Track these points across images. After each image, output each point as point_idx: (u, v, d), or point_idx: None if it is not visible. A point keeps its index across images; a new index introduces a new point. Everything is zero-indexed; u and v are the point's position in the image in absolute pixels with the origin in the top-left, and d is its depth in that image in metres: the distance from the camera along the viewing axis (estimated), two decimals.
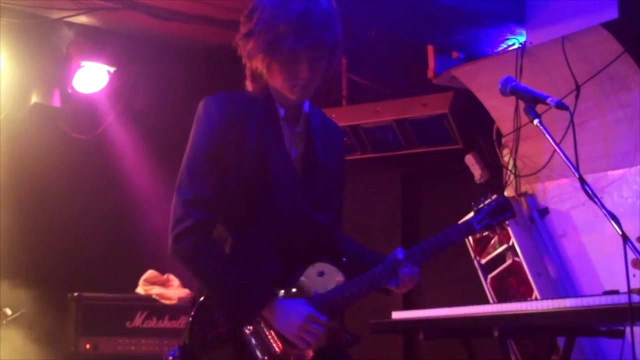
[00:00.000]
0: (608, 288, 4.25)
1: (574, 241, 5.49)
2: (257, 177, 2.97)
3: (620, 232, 2.75)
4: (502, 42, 5.48)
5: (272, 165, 2.99)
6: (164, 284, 6.35)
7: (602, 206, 2.81)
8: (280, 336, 2.94)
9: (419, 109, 6.18)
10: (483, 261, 5.63)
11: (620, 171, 5.25)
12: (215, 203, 2.97)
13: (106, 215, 6.64)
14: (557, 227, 5.58)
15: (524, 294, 5.37)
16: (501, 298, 5.46)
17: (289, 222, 2.99)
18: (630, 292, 3.44)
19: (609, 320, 4.17)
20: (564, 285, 5.46)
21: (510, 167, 5.75)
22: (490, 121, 5.85)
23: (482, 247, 5.60)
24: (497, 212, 3.15)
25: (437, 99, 6.13)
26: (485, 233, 3.21)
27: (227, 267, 2.95)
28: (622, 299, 3.89)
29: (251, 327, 2.94)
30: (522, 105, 3.10)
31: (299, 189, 3.03)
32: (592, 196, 2.84)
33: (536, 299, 5.24)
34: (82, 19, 6.31)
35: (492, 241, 5.53)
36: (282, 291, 2.99)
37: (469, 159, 6.03)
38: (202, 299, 2.99)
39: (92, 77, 6.47)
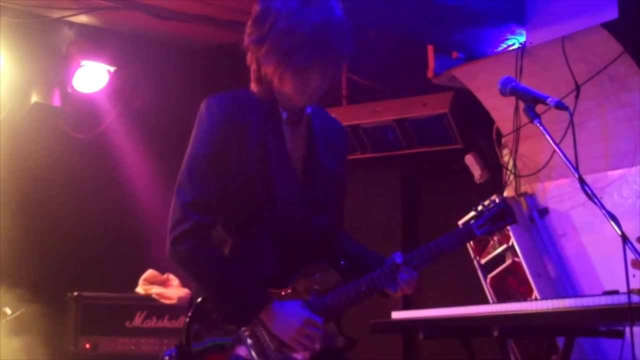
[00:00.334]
0: (608, 288, 4.26)
1: (574, 241, 5.49)
2: (257, 179, 2.97)
3: (620, 233, 2.75)
4: (502, 42, 5.48)
5: (272, 167, 2.98)
6: (164, 283, 6.35)
7: (602, 206, 2.82)
8: (277, 339, 2.94)
9: (419, 108, 6.18)
10: (483, 261, 5.63)
11: (620, 171, 5.25)
12: (215, 205, 2.96)
13: (106, 215, 6.64)
14: (557, 227, 5.58)
15: (524, 294, 5.37)
16: (501, 298, 5.46)
17: (288, 224, 2.99)
18: (629, 292, 3.44)
19: (608, 320, 4.17)
20: (563, 285, 5.46)
21: (510, 167, 5.75)
22: (490, 121, 5.85)
23: (481, 247, 5.60)
24: (498, 217, 3.13)
25: (437, 99, 6.13)
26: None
27: (225, 270, 2.94)
28: (622, 299, 3.89)
29: (248, 329, 2.95)
30: (522, 105, 3.10)
31: (298, 192, 3.02)
32: (591, 196, 2.84)
33: (536, 299, 5.24)
34: (83, 19, 6.31)
35: (492, 241, 5.53)
36: (280, 294, 2.98)
37: (469, 159, 6.03)
38: (199, 299, 2.99)
39: (92, 76, 6.48)
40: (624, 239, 2.75)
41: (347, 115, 6.43)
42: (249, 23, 2.99)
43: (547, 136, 2.97)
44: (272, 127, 3.02)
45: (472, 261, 5.68)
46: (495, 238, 5.45)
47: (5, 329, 5.77)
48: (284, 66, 2.90)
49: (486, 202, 3.16)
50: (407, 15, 5.17)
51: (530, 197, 5.69)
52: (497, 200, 3.18)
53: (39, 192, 6.38)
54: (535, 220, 5.62)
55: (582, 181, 2.88)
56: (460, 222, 5.57)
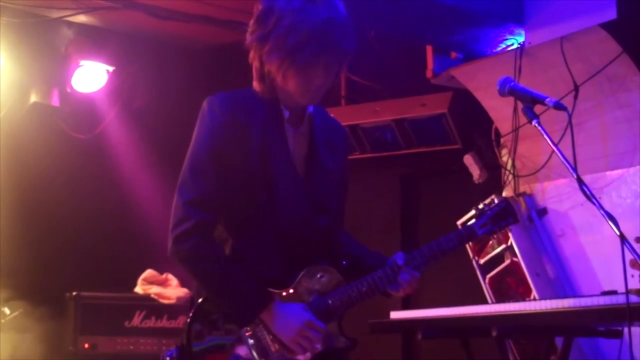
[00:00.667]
0: (606, 288, 4.26)
1: (573, 241, 5.49)
2: (259, 178, 2.96)
3: (618, 233, 2.75)
4: (501, 42, 5.49)
5: (274, 166, 2.98)
6: (163, 283, 6.35)
7: (600, 207, 2.82)
8: (278, 340, 2.94)
9: (418, 108, 6.19)
10: (481, 261, 5.63)
11: (618, 171, 5.26)
12: (217, 204, 2.95)
13: (105, 215, 6.64)
14: (556, 227, 5.58)
15: (523, 294, 5.37)
16: (500, 298, 5.46)
17: (290, 224, 2.98)
18: (628, 292, 3.45)
19: (607, 320, 4.17)
20: (562, 285, 5.47)
21: (508, 167, 5.76)
22: (489, 121, 5.85)
23: (480, 247, 5.61)
24: (499, 217, 3.14)
25: (435, 99, 6.14)
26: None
27: (227, 269, 2.94)
28: (620, 300, 3.89)
29: (249, 329, 2.94)
30: (520, 105, 3.10)
31: (300, 191, 3.02)
32: (590, 197, 2.84)
33: (535, 299, 5.24)
34: (82, 18, 6.31)
35: (491, 241, 5.54)
36: (281, 294, 2.98)
37: (468, 159, 6.04)
38: (200, 300, 2.99)
39: (91, 76, 6.47)
40: (623, 239, 2.75)
41: (346, 115, 6.43)
42: (252, 21, 2.99)
43: (545, 136, 2.97)
44: (274, 126, 3.02)
45: (471, 261, 5.68)
46: (494, 238, 5.46)
47: (4, 329, 5.77)
48: (288, 63, 2.90)
49: (487, 201, 3.17)
50: (406, 16, 5.17)
51: (529, 197, 5.69)
52: (497, 200, 3.19)
53: (38, 192, 6.38)
54: (534, 220, 5.62)
55: (580, 181, 2.88)
56: (459, 222, 5.61)
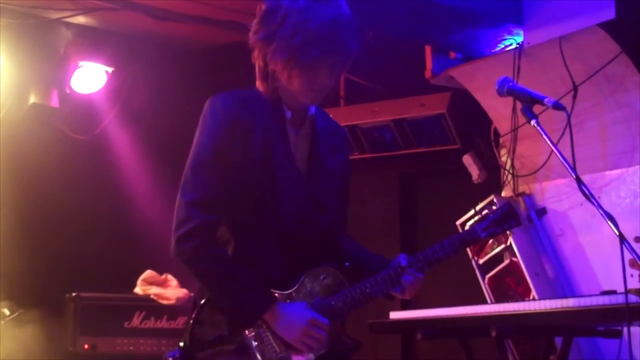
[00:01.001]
0: (606, 288, 4.26)
1: (572, 241, 5.49)
2: (262, 178, 2.96)
3: (617, 233, 2.75)
4: (500, 42, 5.49)
5: (276, 166, 2.97)
6: (162, 284, 6.35)
7: (599, 206, 2.82)
8: (282, 340, 2.93)
9: (417, 109, 6.19)
10: (481, 261, 5.64)
11: (617, 171, 5.26)
12: (219, 204, 2.95)
13: (104, 215, 6.64)
14: (555, 227, 5.58)
15: (522, 294, 5.38)
16: (499, 298, 5.47)
17: (293, 224, 2.98)
18: (627, 292, 3.45)
19: (606, 320, 4.18)
20: (561, 285, 5.47)
21: (508, 167, 5.76)
22: (488, 121, 5.85)
23: (479, 247, 5.61)
24: (502, 220, 3.14)
25: (434, 99, 6.14)
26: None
27: (230, 269, 2.93)
28: (620, 299, 3.90)
29: (252, 330, 2.94)
30: (519, 105, 3.11)
31: (303, 191, 3.02)
32: (589, 197, 2.85)
33: (534, 299, 5.25)
34: (81, 20, 6.31)
35: (490, 241, 5.54)
36: (284, 295, 2.98)
37: (467, 159, 6.04)
38: (203, 301, 2.97)
39: (90, 77, 6.47)
40: (622, 239, 2.75)
41: (345, 116, 6.43)
42: (255, 21, 2.98)
43: (544, 136, 2.97)
44: (276, 127, 3.02)
45: (470, 261, 5.69)
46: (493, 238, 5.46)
47: (4, 330, 5.77)
48: (294, 62, 2.90)
49: (482, 205, 3.17)
50: (404, 16, 5.17)
51: (528, 197, 5.69)
52: (500, 203, 3.19)
53: (37, 192, 6.38)
54: (533, 220, 5.63)
55: (579, 181, 2.88)
56: (458, 222, 5.62)
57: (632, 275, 4.46)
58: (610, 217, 2.79)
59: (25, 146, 6.34)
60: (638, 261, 2.80)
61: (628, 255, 2.77)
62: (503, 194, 5.77)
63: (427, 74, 5.88)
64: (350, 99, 6.74)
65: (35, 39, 6.23)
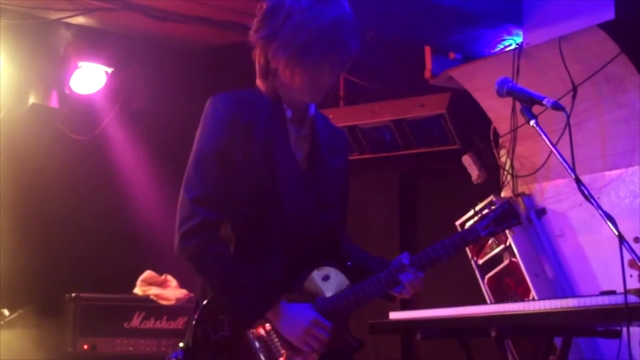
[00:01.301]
0: (605, 288, 4.26)
1: (571, 241, 5.49)
2: (263, 177, 2.96)
3: (617, 233, 2.75)
4: (499, 42, 5.49)
5: (278, 165, 2.98)
6: (162, 284, 6.35)
7: (599, 207, 2.82)
8: (284, 340, 2.93)
9: (417, 109, 6.19)
10: (480, 261, 5.64)
11: (617, 171, 5.26)
12: (222, 201, 2.95)
13: (104, 216, 6.64)
14: (555, 227, 5.58)
15: (522, 294, 5.38)
16: (498, 298, 5.47)
17: (294, 223, 2.98)
18: (626, 292, 3.45)
19: (605, 320, 4.17)
20: (561, 285, 5.47)
21: (507, 167, 5.76)
22: (488, 122, 5.85)
23: (479, 247, 5.61)
24: (502, 219, 3.14)
25: (434, 100, 6.14)
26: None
27: (233, 267, 2.94)
28: (619, 300, 3.90)
29: (255, 331, 2.94)
30: (519, 106, 3.11)
31: (304, 190, 3.02)
32: (588, 197, 2.85)
33: (533, 299, 5.25)
34: (80, 20, 6.32)
35: (489, 241, 5.54)
36: (287, 294, 2.97)
37: (467, 160, 6.04)
38: (205, 301, 2.97)
39: (90, 77, 6.48)
40: (621, 239, 2.75)
41: (344, 116, 6.44)
42: (257, 19, 2.99)
43: (543, 137, 2.97)
44: (276, 126, 3.03)
45: (470, 261, 5.69)
46: (493, 238, 5.46)
47: (4, 330, 5.77)
48: (297, 60, 2.91)
49: (482, 205, 3.18)
50: (404, 16, 5.17)
51: (528, 198, 5.69)
52: (499, 202, 3.20)
53: (37, 193, 6.38)
54: (533, 220, 5.63)
55: (579, 182, 2.88)
56: (458, 222, 5.62)
57: (631, 276, 4.46)
58: (610, 218, 2.79)
59: (24, 146, 6.34)
60: (637, 261, 2.80)
61: (627, 256, 2.77)
62: (502, 194, 5.77)
63: (427, 74, 5.89)
64: (350, 100, 6.74)
65: (35, 39, 6.24)
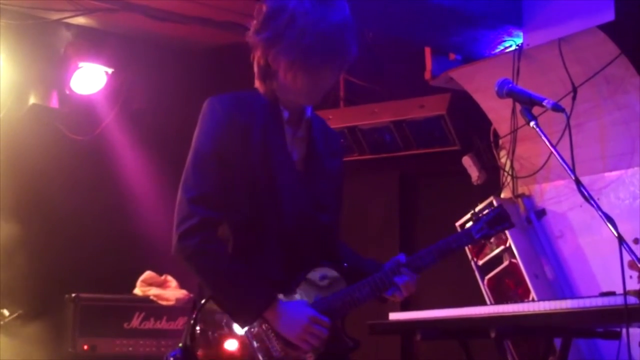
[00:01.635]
0: (605, 289, 4.26)
1: (571, 242, 5.50)
2: (261, 177, 2.98)
3: (616, 234, 2.76)
4: (499, 43, 5.49)
5: (275, 166, 2.99)
6: (162, 285, 6.35)
7: (598, 208, 2.82)
8: (282, 339, 2.94)
9: (416, 110, 6.19)
10: (480, 262, 5.64)
11: (617, 173, 5.26)
12: (220, 201, 2.96)
13: (104, 216, 6.64)
14: (554, 228, 5.59)
15: (521, 295, 5.38)
16: (498, 299, 5.47)
17: (292, 223, 3.00)
18: (626, 293, 3.45)
19: (605, 321, 4.18)
20: (560, 286, 5.47)
21: (507, 168, 5.76)
22: (488, 123, 5.86)
23: (479, 248, 5.61)
24: (495, 222, 3.18)
25: (434, 101, 6.14)
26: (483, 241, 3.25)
27: (231, 267, 2.94)
28: (619, 301, 3.90)
29: (253, 329, 2.94)
30: (519, 107, 3.11)
31: (302, 191, 3.04)
32: (588, 198, 2.85)
33: (533, 300, 5.25)
34: (80, 20, 6.32)
35: (489, 243, 5.53)
36: (284, 294, 2.98)
37: (466, 161, 6.04)
38: (203, 300, 2.98)
39: (90, 78, 6.47)
40: (621, 240, 2.76)
41: (344, 117, 6.44)
42: (258, 20, 3.00)
43: (543, 138, 2.98)
44: (274, 127, 3.04)
45: (470, 262, 5.69)
46: (493, 240, 5.46)
47: (4, 331, 5.77)
48: (300, 63, 2.93)
49: (481, 206, 3.19)
50: (404, 17, 5.18)
51: (528, 199, 5.69)
52: (493, 206, 3.22)
53: (36, 193, 6.38)
54: (533, 221, 5.63)
55: (578, 183, 2.89)
56: (458, 224, 5.62)
57: (630, 277, 4.47)
58: (609, 219, 2.80)
59: (24, 147, 6.34)
60: (637, 263, 2.80)
61: (627, 257, 2.78)
62: (502, 195, 5.77)
63: (427, 75, 5.89)
64: (350, 100, 6.75)
65: (35, 39, 6.24)
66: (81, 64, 6.38)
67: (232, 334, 2.95)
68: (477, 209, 3.25)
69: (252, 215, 2.98)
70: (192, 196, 2.94)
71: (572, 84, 5.16)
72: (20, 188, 6.29)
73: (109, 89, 6.61)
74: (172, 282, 6.37)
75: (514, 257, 5.45)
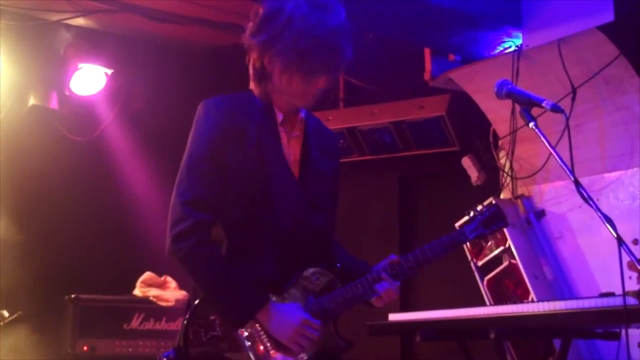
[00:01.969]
0: (604, 290, 4.27)
1: (570, 243, 5.50)
2: (255, 179, 2.99)
3: (615, 235, 2.76)
4: (499, 44, 5.49)
5: (270, 168, 3.01)
6: (161, 285, 6.35)
7: (597, 209, 2.82)
8: (274, 340, 2.95)
9: (416, 111, 6.20)
10: (480, 263, 5.64)
11: (616, 173, 5.27)
12: (214, 203, 2.98)
13: (103, 217, 6.64)
14: (554, 229, 5.59)
15: (521, 296, 5.38)
16: (498, 300, 5.47)
17: (286, 224, 3.01)
18: (625, 294, 3.46)
19: (604, 322, 4.19)
20: (560, 287, 5.47)
21: (506, 169, 5.76)
22: (487, 123, 5.86)
23: (478, 249, 5.61)
24: (490, 221, 3.16)
25: (433, 102, 6.14)
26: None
27: (224, 268, 2.96)
28: (618, 302, 3.90)
29: (246, 330, 2.96)
30: (518, 108, 3.11)
31: (296, 192, 3.05)
32: (587, 199, 2.85)
33: (532, 301, 5.25)
34: (80, 21, 6.32)
35: (489, 243, 5.54)
36: (277, 295, 3.00)
37: (466, 161, 6.04)
38: (197, 301, 3.00)
39: (90, 79, 6.48)
40: (620, 241, 2.76)
41: (344, 118, 6.44)
42: (255, 22, 3.02)
43: (542, 139, 2.98)
44: (268, 129, 3.06)
45: (469, 263, 5.69)
46: (492, 240, 5.46)
47: (3, 332, 5.76)
48: (296, 66, 2.95)
49: (479, 208, 3.19)
50: (403, 18, 5.18)
51: (527, 200, 5.70)
52: (489, 204, 3.21)
53: (36, 194, 6.38)
54: (532, 222, 5.63)
55: (577, 184, 2.89)
56: (457, 224, 5.61)
57: (630, 278, 4.46)
58: (609, 220, 2.80)
59: (24, 148, 6.34)
60: (636, 263, 2.81)
61: (626, 258, 2.78)
62: (502, 196, 5.77)
63: (426, 76, 5.89)
64: (349, 101, 6.75)
65: (35, 40, 6.24)
66: (81, 65, 6.38)
67: (225, 335, 2.96)
68: (477, 209, 3.24)
69: (246, 217, 3.00)
70: (186, 199, 2.96)
71: (572, 84, 5.16)
72: (20, 189, 6.29)
73: (108, 89, 6.61)
74: (172, 283, 6.36)
75: (514, 257, 5.45)
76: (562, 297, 5.33)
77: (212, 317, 2.98)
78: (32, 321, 5.89)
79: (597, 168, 5.31)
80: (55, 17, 6.13)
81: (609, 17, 4.81)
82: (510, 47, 5.46)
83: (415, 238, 6.60)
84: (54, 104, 6.47)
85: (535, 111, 3.05)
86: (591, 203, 2.85)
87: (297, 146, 3.12)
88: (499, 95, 3.15)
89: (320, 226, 3.09)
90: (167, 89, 6.87)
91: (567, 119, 3.05)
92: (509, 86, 3.13)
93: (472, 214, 3.18)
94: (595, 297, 4.14)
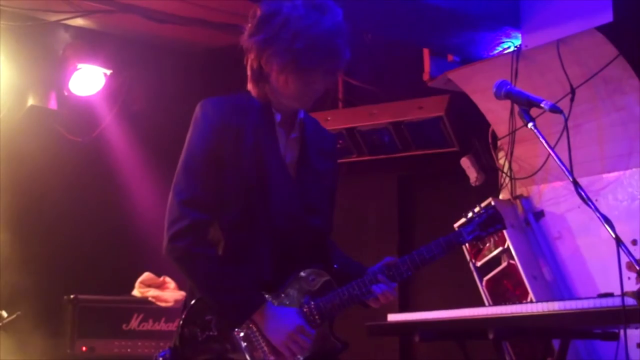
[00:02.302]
0: (603, 291, 4.27)
1: (569, 244, 5.50)
2: (253, 180, 3.00)
3: (614, 236, 2.76)
4: (498, 45, 5.50)
5: (267, 169, 3.01)
6: (160, 286, 6.35)
7: (596, 209, 2.83)
8: (268, 342, 2.96)
9: (415, 111, 6.20)
10: (478, 264, 5.64)
11: (615, 174, 5.27)
12: (210, 204, 2.99)
13: (102, 217, 6.64)
14: (553, 229, 5.59)
15: (520, 297, 5.38)
16: (497, 300, 5.47)
17: (283, 225, 3.01)
18: (624, 295, 3.46)
19: (603, 322, 4.19)
20: (559, 287, 5.47)
21: (505, 169, 5.77)
22: (486, 124, 5.86)
23: (477, 249, 5.61)
24: (487, 223, 3.16)
25: (432, 102, 6.15)
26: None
27: (221, 269, 2.97)
28: (617, 302, 3.90)
29: (242, 330, 2.96)
30: (517, 108, 3.12)
31: (293, 193, 3.06)
32: (586, 200, 2.85)
33: (531, 301, 5.25)
34: (79, 22, 6.32)
35: (488, 244, 5.54)
36: (273, 295, 3.00)
37: (465, 162, 6.04)
38: (193, 301, 3.01)
39: (89, 79, 6.48)
40: (619, 241, 2.76)
41: (343, 118, 6.44)
42: (253, 23, 3.02)
43: (541, 139, 2.98)
44: (266, 130, 3.07)
45: (468, 264, 5.69)
46: (491, 241, 5.46)
47: (2, 332, 5.76)
48: (293, 66, 2.95)
49: (476, 210, 3.18)
50: (402, 19, 5.18)
51: (526, 200, 5.70)
52: (487, 206, 3.21)
53: (35, 195, 6.38)
54: (531, 223, 5.63)
55: (576, 184, 2.89)
56: (456, 225, 5.61)
57: (629, 278, 4.47)
58: (607, 220, 2.80)
59: (23, 148, 6.34)
60: (635, 264, 2.81)
61: (625, 258, 2.78)
62: (501, 196, 5.77)
63: (425, 76, 5.89)
64: (348, 102, 6.75)
65: (34, 41, 6.24)
66: (80, 66, 6.39)
67: (221, 335, 2.97)
68: (476, 210, 3.24)
69: (243, 217, 3.00)
70: (183, 198, 2.97)
71: (571, 85, 5.17)
72: (19, 189, 6.29)
73: (107, 90, 6.61)
74: (171, 283, 6.36)
75: (513, 258, 5.45)
76: (561, 298, 5.33)
77: (208, 317, 2.98)
78: (31, 322, 5.89)
79: (595, 168, 5.31)
80: (54, 17, 6.14)
81: (607, 17, 4.81)
82: (509, 47, 5.46)
83: (414, 238, 6.60)
84: (53, 104, 6.48)
85: (534, 112, 3.05)
86: (590, 204, 2.85)
87: (295, 147, 3.12)
88: (498, 96, 3.15)
89: (316, 227, 3.09)
90: (166, 89, 6.87)
91: (566, 120, 3.06)
92: (508, 87, 3.13)
93: (469, 215, 3.18)
94: (594, 297, 4.14)
